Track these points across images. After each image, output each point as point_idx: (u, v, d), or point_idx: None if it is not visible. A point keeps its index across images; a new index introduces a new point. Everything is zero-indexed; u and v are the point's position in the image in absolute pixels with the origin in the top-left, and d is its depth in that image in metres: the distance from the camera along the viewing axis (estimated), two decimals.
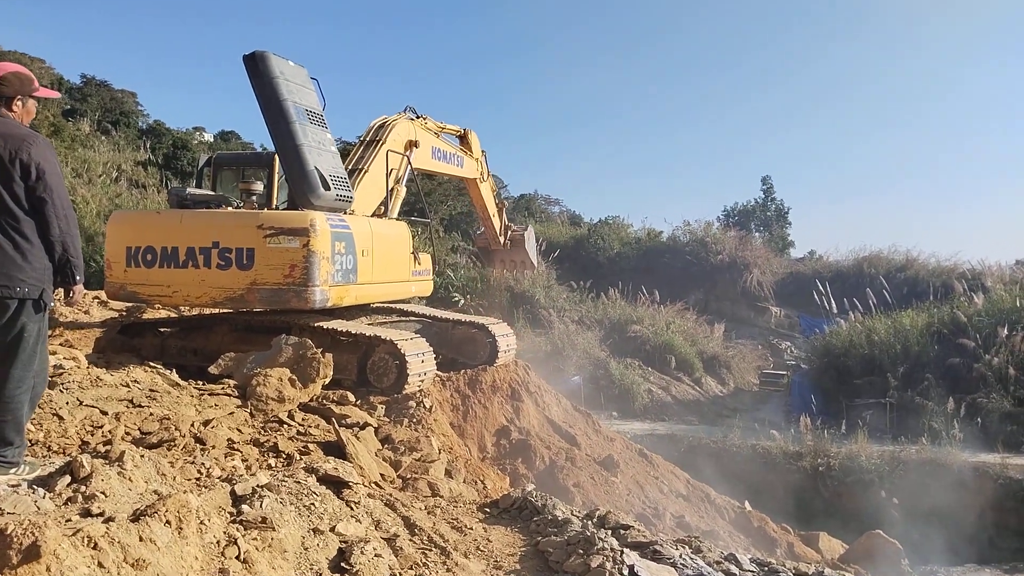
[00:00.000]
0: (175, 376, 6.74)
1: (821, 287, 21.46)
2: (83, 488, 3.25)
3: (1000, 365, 15.18)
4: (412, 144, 10.04)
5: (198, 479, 4.10)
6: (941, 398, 14.72)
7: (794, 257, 35.85)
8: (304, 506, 3.84)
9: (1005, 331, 15.65)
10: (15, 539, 2.39)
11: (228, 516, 3.46)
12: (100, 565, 2.54)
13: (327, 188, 7.76)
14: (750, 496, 10.94)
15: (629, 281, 24.48)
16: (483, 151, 12.61)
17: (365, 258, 8.14)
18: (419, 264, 9.67)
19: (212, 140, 39.65)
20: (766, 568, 4.45)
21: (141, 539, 2.75)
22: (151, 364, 7.11)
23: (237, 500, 3.64)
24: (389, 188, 9.37)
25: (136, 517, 2.90)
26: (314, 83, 8.44)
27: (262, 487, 3.83)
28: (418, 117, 10.56)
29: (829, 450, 13.31)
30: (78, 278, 3.94)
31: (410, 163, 9.88)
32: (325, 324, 7.94)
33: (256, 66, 7.78)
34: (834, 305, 20.54)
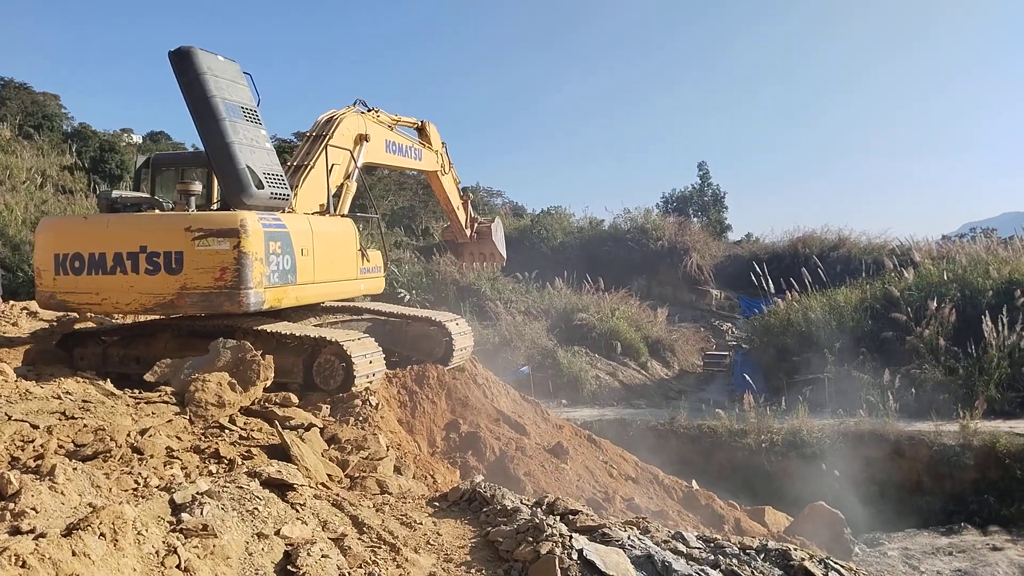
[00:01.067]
0: (109, 385, 6.54)
1: (758, 268, 21.86)
2: (11, 505, 3.13)
3: (931, 337, 15.71)
4: (362, 138, 9.82)
5: (136, 489, 3.99)
6: (876, 371, 15.16)
7: (731, 240, 36.68)
8: (247, 511, 3.77)
9: (934, 304, 16.16)
10: None
11: (167, 525, 3.38)
12: None
13: (261, 187, 7.58)
14: (698, 475, 11.15)
15: (573, 270, 24.64)
16: (443, 143, 12.45)
17: (305, 257, 7.97)
18: (368, 261, 9.45)
19: (141, 141, 38.60)
20: (712, 544, 4.54)
21: (74, 553, 2.66)
22: (83, 375, 6.89)
23: (177, 508, 3.56)
24: (339, 184, 9.15)
25: (69, 531, 2.80)
26: (247, 78, 8.21)
27: (202, 494, 3.75)
28: (369, 110, 10.30)
29: (772, 426, 13.62)
30: None
31: (355, 159, 9.65)
32: (269, 327, 7.78)
33: (181, 62, 7.55)
34: (771, 285, 20.97)
